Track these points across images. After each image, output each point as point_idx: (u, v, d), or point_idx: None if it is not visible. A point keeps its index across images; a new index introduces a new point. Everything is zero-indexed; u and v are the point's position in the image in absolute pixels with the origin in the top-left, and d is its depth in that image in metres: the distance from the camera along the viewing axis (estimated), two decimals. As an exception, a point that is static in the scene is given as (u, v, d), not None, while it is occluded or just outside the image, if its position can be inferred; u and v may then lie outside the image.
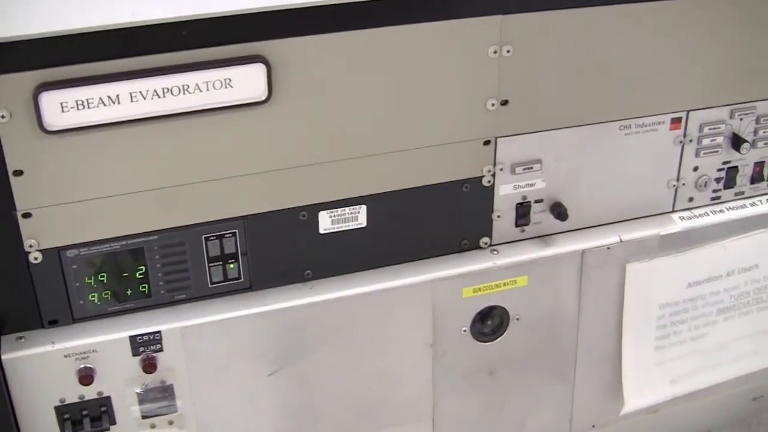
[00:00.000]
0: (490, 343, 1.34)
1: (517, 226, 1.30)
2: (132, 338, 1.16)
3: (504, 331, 1.34)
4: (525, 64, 1.18)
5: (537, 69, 1.19)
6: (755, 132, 1.38)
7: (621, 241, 1.33)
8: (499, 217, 1.28)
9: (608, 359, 1.42)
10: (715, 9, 1.25)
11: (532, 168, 1.26)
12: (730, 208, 1.41)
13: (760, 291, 1.47)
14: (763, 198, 1.44)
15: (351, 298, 1.24)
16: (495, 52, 1.16)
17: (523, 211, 1.29)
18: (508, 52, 1.17)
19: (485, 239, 1.30)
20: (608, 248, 1.33)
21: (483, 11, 1.14)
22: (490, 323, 1.33)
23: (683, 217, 1.38)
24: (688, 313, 1.43)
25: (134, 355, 1.17)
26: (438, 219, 1.26)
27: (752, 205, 1.43)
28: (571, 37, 1.19)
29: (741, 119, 1.36)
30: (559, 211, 1.29)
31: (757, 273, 1.45)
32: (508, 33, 1.15)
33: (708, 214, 1.40)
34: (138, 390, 1.19)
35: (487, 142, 1.22)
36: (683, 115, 1.32)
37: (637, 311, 1.38)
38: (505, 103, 1.20)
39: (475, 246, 1.30)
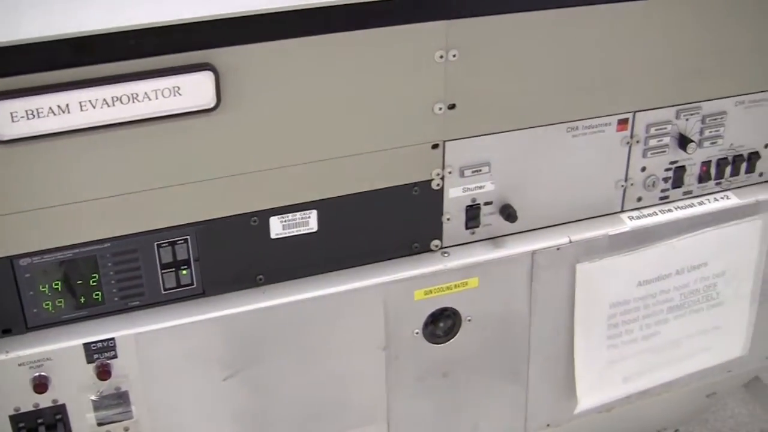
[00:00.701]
0: (443, 344, 1.39)
1: (467, 228, 1.35)
2: (86, 345, 1.20)
3: (456, 333, 1.39)
4: (471, 69, 1.23)
5: (483, 73, 1.24)
6: (701, 132, 1.44)
7: (570, 242, 1.39)
8: (449, 219, 1.33)
9: (561, 358, 1.47)
10: (659, 11, 1.31)
11: (480, 171, 1.31)
12: (678, 207, 1.47)
13: (709, 288, 1.53)
14: (711, 197, 1.50)
15: (303, 302, 1.28)
16: (441, 57, 1.21)
17: (472, 214, 1.34)
18: (454, 56, 1.21)
19: (436, 242, 1.34)
20: (558, 249, 1.38)
21: (428, 17, 1.18)
22: (442, 325, 1.38)
23: (632, 217, 1.44)
24: (639, 312, 1.48)
25: (88, 362, 1.21)
26: (389, 222, 1.30)
27: (700, 203, 1.48)
28: (517, 40, 1.24)
29: (687, 119, 1.41)
30: (508, 212, 1.34)
31: (706, 271, 1.51)
32: (454, 38, 1.20)
33: (657, 214, 1.45)
34: (93, 397, 1.23)
35: (435, 146, 1.27)
36: (630, 116, 1.37)
37: (588, 311, 1.44)
38: (452, 107, 1.25)
39: (426, 249, 1.35)
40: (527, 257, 1.37)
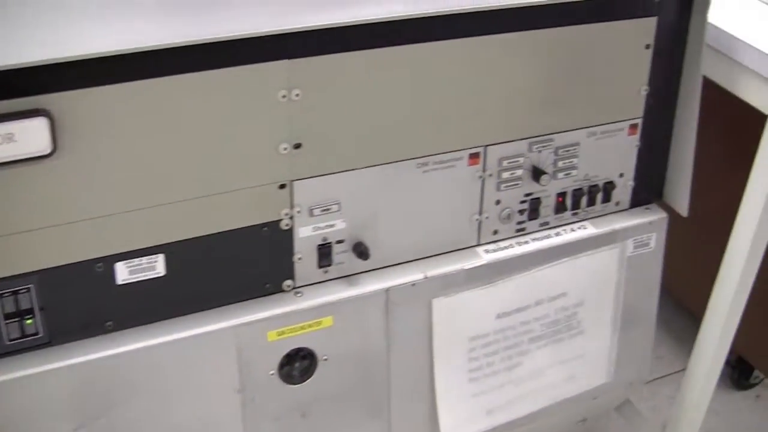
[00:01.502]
0: (300, 384, 1.39)
1: (320, 267, 1.36)
2: (-76, 400, 1.17)
3: (313, 373, 1.39)
4: (315, 107, 1.24)
5: (328, 111, 1.25)
6: (555, 163, 1.47)
7: (426, 278, 1.40)
8: (300, 259, 1.34)
9: (423, 394, 1.49)
10: (507, 44, 1.34)
11: (330, 209, 1.32)
12: (535, 239, 1.50)
13: (570, 318, 1.56)
14: (568, 227, 1.53)
15: (154, 347, 1.27)
16: (284, 97, 1.22)
17: (324, 252, 1.35)
18: (297, 95, 1.22)
19: (288, 282, 1.35)
20: (413, 285, 1.40)
21: (270, 57, 1.19)
22: (298, 365, 1.38)
23: (488, 250, 1.46)
24: (499, 344, 1.51)
25: (-73, 417, 1.18)
26: (239, 264, 1.30)
27: (557, 234, 1.51)
28: (360, 78, 1.25)
29: (540, 151, 1.45)
30: (360, 250, 1.35)
31: (566, 300, 1.54)
32: (296, 77, 1.21)
33: (513, 246, 1.48)
34: (-69, 454, 1.21)
35: (282, 186, 1.28)
36: (481, 150, 1.40)
37: (447, 345, 1.46)
38: (298, 146, 1.26)
39: (279, 289, 1.35)
40: (382, 294, 1.38)
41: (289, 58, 1.20)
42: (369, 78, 1.26)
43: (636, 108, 1.50)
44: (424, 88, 1.30)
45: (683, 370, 2.14)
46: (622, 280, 1.58)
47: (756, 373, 2.14)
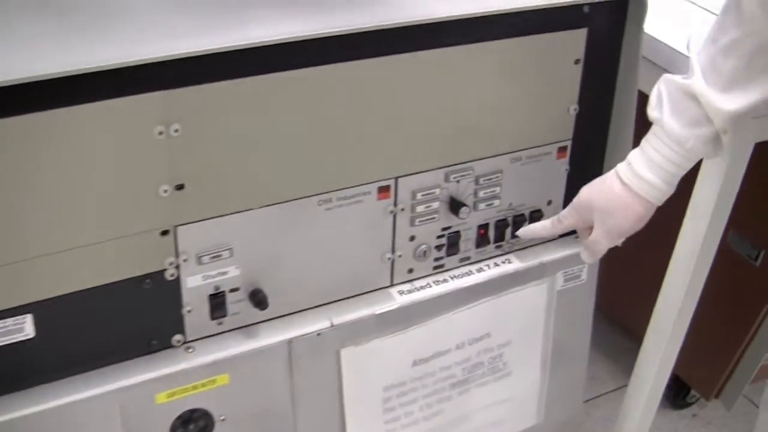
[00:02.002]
0: (196, 449, 1.26)
1: (213, 318, 1.22)
2: None
3: (210, 435, 1.26)
4: (198, 143, 1.10)
5: (212, 147, 1.12)
6: (476, 193, 1.34)
7: (332, 326, 1.27)
8: (190, 311, 1.20)
9: (335, 450, 1.36)
10: (416, 63, 1.20)
11: (221, 256, 1.18)
12: (454, 276, 1.37)
13: (495, 360, 1.44)
14: (491, 262, 1.40)
15: (28, 417, 1.13)
16: (161, 133, 1.08)
17: (217, 303, 1.21)
18: (176, 131, 1.08)
19: (178, 337, 1.21)
20: (318, 334, 1.26)
21: (141, 88, 1.04)
22: (193, 427, 1.24)
23: (403, 291, 1.33)
24: (417, 392, 1.38)
25: None
26: (120, 320, 1.17)
27: (479, 270, 1.39)
28: (249, 108, 1.12)
29: (458, 181, 1.32)
30: (258, 299, 1.22)
31: (489, 342, 1.42)
32: (174, 110, 1.07)
33: (430, 285, 1.35)
34: None
35: (165, 232, 1.14)
36: (391, 182, 1.27)
37: (359, 397, 1.33)
38: (180, 187, 1.12)
39: (167, 345, 1.21)
40: (283, 346, 1.25)
41: (165, 89, 1.05)
42: (258, 108, 1.12)
43: (564, 129, 1.38)
44: (322, 116, 1.17)
45: (618, 389, 2.06)
46: (552, 317, 1.46)
47: (693, 392, 2.05)
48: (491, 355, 1.43)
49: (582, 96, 1.37)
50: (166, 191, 1.11)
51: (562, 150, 1.39)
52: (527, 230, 1.32)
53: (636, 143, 1.19)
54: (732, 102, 1.05)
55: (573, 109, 1.36)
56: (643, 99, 1.25)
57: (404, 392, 1.37)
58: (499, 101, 1.28)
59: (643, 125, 1.18)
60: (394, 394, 1.36)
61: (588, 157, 1.41)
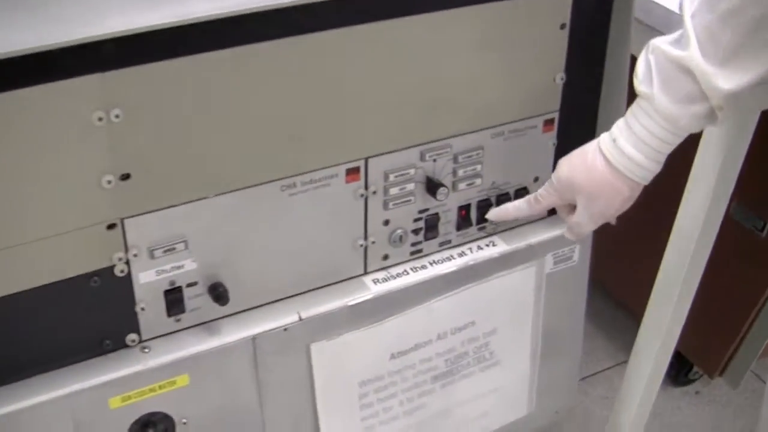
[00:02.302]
0: (156, 453, 1.17)
1: (170, 315, 1.14)
2: None
3: (171, 439, 1.17)
4: (142, 129, 1.01)
5: (159, 133, 1.02)
6: (454, 172, 1.24)
7: (301, 320, 1.18)
8: (143, 309, 1.11)
9: (308, 450, 1.28)
10: (386, 32, 1.10)
11: (175, 249, 1.09)
12: (433, 261, 1.28)
13: (480, 349, 1.35)
14: (474, 245, 1.31)
15: (-30, 425, 1.05)
16: (100, 119, 0.98)
17: (174, 299, 1.13)
18: (117, 117, 0.99)
19: (132, 336, 1.13)
20: (285, 329, 1.17)
21: (74, 71, 0.95)
22: (152, 431, 1.16)
23: (377, 280, 1.24)
24: (396, 387, 1.30)
25: None
26: (68, 321, 1.08)
27: (461, 255, 1.29)
28: (194, 90, 1.02)
29: (435, 160, 1.22)
30: (217, 293, 1.13)
31: (474, 330, 1.32)
32: (113, 94, 0.98)
33: (408, 273, 1.26)
34: None
35: (111, 226, 1.05)
36: (361, 163, 1.17)
37: (332, 394, 1.24)
38: (125, 177, 1.02)
39: (121, 345, 1.13)
40: (248, 344, 1.16)
41: (102, 70, 0.96)
42: (207, 88, 1.02)
43: (551, 100, 1.28)
44: (279, 94, 1.07)
45: (617, 365, 1.97)
46: (541, 302, 1.36)
47: (695, 369, 1.98)
48: (476, 345, 1.34)
49: (569, 63, 1.27)
50: (109, 182, 1.02)
51: (548, 123, 1.29)
52: (499, 211, 1.22)
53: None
54: (730, 79, 0.94)
55: (560, 77, 1.26)
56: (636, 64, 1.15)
57: (382, 387, 1.28)
58: (478, 72, 1.19)
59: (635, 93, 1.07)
60: (371, 390, 1.27)
61: (577, 129, 1.31)
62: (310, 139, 1.11)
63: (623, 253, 1.79)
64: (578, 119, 1.31)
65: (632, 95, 1.21)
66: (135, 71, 0.98)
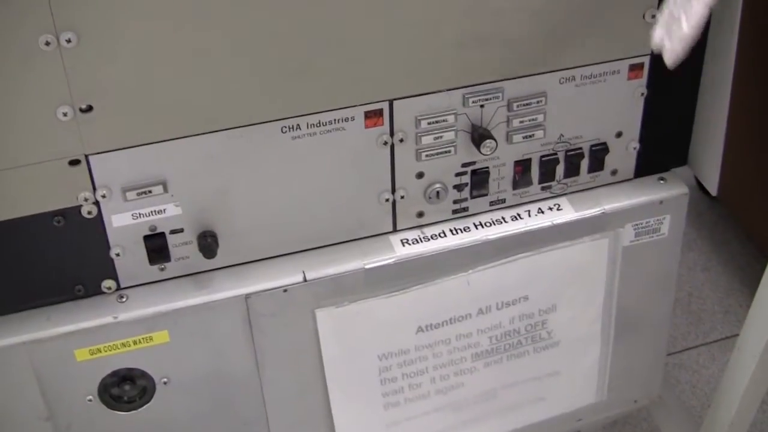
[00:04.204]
0: (136, 411, 1.08)
1: (152, 263, 1.02)
2: None
3: (151, 398, 1.07)
4: (102, 54, 0.89)
5: (124, 59, 0.90)
6: (508, 122, 1.06)
7: (305, 281, 1.05)
8: (119, 255, 1.01)
9: (317, 423, 1.15)
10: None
11: (152, 192, 0.97)
12: (480, 224, 1.11)
13: (535, 327, 1.18)
14: (534, 207, 1.13)
15: None
16: (48, 44, 0.87)
17: (156, 246, 1.02)
18: (68, 41, 0.87)
19: (108, 283, 1.03)
20: (285, 290, 1.04)
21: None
22: (129, 388, 1.07)
23: (407, 241, 1.09)
24: (427, 362, 1.15)
25: None
26: (30, 262, 1.00)
27: (514, 218, 1.12)
28: (168, 6, 0.88)
29: (482, 106, 1.04)
30: (203, 244, 1.01)
31: (527, 306, 1.16)
32: (64, 16, 0.86)
33: (445, 234, 1.10)
34: None
35: (74, 162, 0.94)
36: (384, 105, 1.01)
37: (345, 366, 1.11)
38: (87, 110, 0.91)
39: (97, 291, 1.03)
40: (239, 302, 1.04)
41: (45, -14, 0.83)
42: (186, 4, 0.88)
43: (640, 40, 1.06)
44: (280, 12, 0.92)
45: (722, 339, 1.75)
46: (616, 278, 1.17)
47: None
48: (530, 322, 1.17)
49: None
50: (65, 114, 0.90)
51: (635, 68, 1.09)
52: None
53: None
54: None
55: (650, 13, 1.04)
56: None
57: (409, 361, 1.14)
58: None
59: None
60: (395, 363, 1.14)
61: (674, 75, 1.08)
62: (317, 72, 0.96)
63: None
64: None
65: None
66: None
